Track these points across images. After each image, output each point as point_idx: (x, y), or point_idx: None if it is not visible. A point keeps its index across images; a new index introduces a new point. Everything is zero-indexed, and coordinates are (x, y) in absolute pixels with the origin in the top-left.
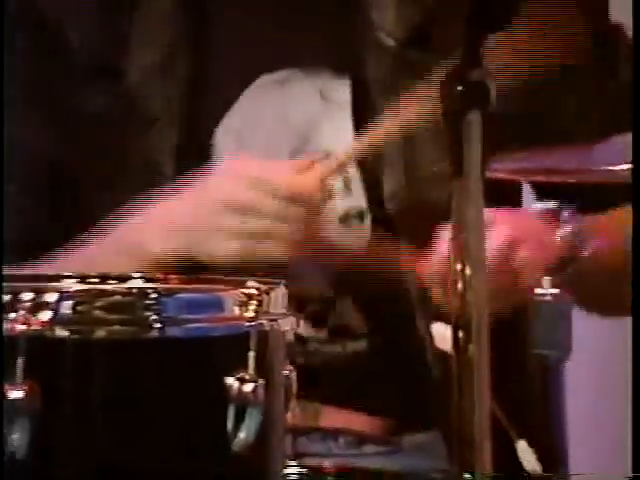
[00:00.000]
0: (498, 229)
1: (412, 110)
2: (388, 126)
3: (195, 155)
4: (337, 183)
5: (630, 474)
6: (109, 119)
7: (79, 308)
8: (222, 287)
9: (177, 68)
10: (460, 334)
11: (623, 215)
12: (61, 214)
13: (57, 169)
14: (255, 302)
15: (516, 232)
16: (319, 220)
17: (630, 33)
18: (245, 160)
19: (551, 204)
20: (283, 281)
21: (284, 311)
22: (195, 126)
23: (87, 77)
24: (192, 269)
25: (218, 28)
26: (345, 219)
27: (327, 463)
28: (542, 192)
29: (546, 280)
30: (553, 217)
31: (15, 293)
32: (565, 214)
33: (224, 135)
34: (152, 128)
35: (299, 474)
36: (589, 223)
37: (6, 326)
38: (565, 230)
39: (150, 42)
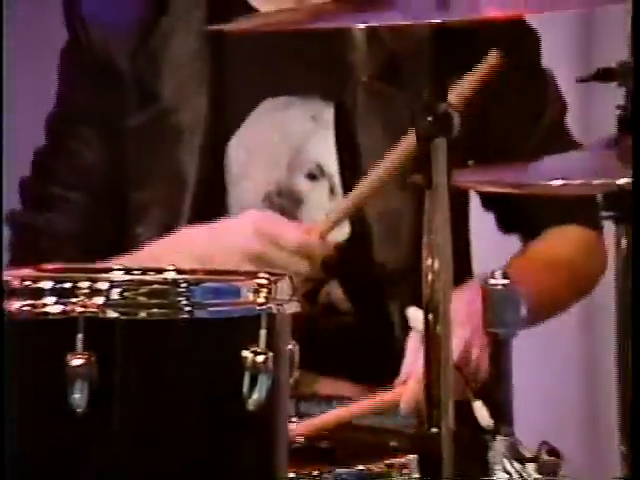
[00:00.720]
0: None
1: (385, 175)
2: (367, 190)
3: (213, 162)
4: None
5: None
6: (145, 133)
7: (125, 294)
8: (239, 278)
9: (200, 92)
10: (430, 316)
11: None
12: (111, 210)
13: (108, 175)
14: (265, 290)
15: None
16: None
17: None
18: (265, 216)
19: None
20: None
21: (288, 297)
22: (213, 138)
23: (133, 101)
24: None
25: (233, 61)
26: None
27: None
28: (486, 203)
29: (498, 272)
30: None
31: (75, 281)
32: None
33: (236, 146)
34: (180, 140)
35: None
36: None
37: (68, 307)
38: None
39: (180, 72)
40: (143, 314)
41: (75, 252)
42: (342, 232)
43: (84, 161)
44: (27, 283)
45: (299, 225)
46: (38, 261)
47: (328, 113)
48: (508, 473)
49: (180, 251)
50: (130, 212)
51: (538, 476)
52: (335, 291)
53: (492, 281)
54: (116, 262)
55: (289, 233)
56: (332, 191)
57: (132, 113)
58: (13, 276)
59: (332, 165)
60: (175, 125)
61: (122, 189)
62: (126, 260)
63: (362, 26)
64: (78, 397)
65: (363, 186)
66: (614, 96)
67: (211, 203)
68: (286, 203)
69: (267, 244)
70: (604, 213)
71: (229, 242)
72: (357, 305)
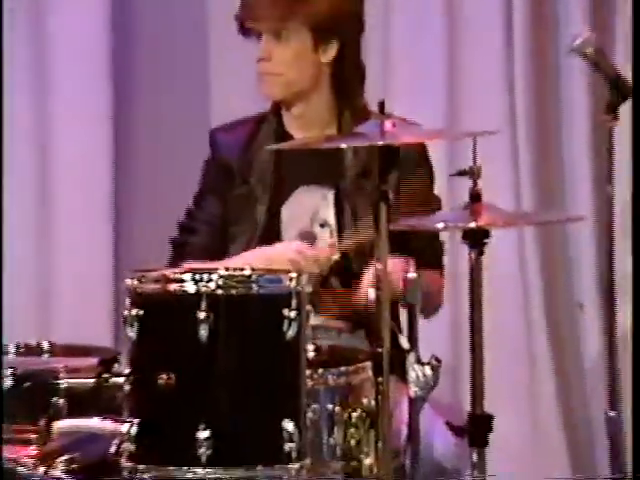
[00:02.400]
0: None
1: (363, 238)
2: (352, 242)
3: (274, 217)
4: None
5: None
6: (240, 199)
7: (226, 281)
8: (282, 273)
9: (268, 180)
10: (378, 293)
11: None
12: (221, 237)
13: (221, 219)
14: (295, 280)
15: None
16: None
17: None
18: (300, 243)
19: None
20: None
21: (306, 283)
22: (274, 205)
23: (235, 181)
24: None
25: (285, 165)
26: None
27: (324, 343)
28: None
29: (413, 273)
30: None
31: (201, 274)
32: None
33: (285, 209)
34: (255, 205)
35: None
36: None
37: (197, 288)
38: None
39: (259, 169)
40: (233, 291)
41: (204, 257)
42: (336, 256)
43: (209, 212)
44: (177, 275)
45: (317, 247)
46: (185, 262)
47: (331, 194)
48: (415, 371)
49: (257, 255)
50: (229, 239)
51: (430, 372)
52: (334, 280)
53: (409, 275)
54: (224, 262)
55: (311, 251)
56: (331, 234)
57: (235, 189)
58: (171, 271)
59: (332, 221)
60: (254, 196)
61: (226, 227)
62: (232, 261)
63: (344, 146)
64: (203, 334)
65: (348, 242)
66: (468, 183)
67: (270, 237)
68: (306, 237)
69: (299, 255)
70: (463, 241)
71: (280, 251)
72: (344, 287)
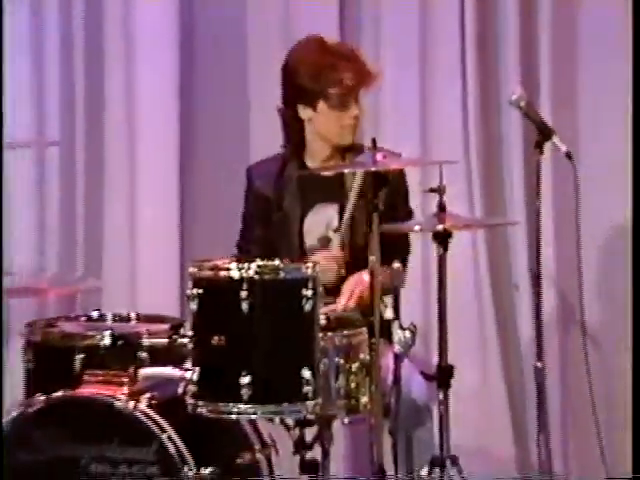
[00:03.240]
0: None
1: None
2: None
3: (299, 228)
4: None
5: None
6: (279, 222)
7: (261, 269)
8: (301, 263)
9: (296, 202)
10: (372, 278)
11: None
12: (265, 250)
13: (264, 238)
14: (311, 268)
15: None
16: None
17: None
18: (322, 253)
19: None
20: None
21: (320, 270)
22: (300, 219)
23: (273, 208)
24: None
25: (306, 188)
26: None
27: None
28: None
29: (397, 264)
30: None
31: (243, 263)
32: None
33: (307, 222)
34: (290, 226)
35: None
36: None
37: (240, 273)
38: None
39: (289, 196)
40: (266, 277)
41: None
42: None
43: (256, 234)
44: (226, 265)
45: (329, 254)
46: None
47: (338, 210)
48: (398, 334)
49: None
50: (275, 251)
51: (409, 335)
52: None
53: (395, 265)
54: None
55: (329, 257)
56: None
57: (273, 214)
58: (221, 261)
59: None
60: (287, 217)
61: (270, 243)
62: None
63: (346, 170)
64: (244, 307)
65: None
66: (436, 197)
67: (299, 243)
68: (324, 241)
69: (324, 259)
70: (433, 240)
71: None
72: (348, 273)
